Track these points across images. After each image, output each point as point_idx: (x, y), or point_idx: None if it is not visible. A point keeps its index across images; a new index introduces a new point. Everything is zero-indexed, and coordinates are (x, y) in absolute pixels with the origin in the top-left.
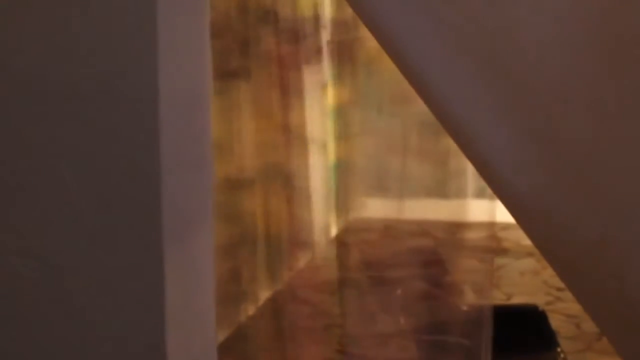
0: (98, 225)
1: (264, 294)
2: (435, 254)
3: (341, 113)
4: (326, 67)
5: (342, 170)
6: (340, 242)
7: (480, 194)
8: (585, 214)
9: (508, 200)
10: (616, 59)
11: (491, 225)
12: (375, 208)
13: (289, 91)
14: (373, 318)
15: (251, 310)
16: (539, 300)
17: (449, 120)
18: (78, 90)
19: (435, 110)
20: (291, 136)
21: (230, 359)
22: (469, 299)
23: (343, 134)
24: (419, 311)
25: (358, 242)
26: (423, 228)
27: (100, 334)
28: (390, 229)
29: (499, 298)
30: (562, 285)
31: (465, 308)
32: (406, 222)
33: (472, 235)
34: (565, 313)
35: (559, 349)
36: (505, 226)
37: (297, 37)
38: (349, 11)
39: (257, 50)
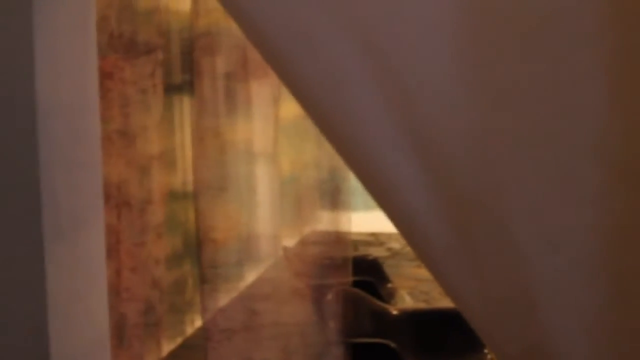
0: None
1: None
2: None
3: (294, 126)
4: (278, 80)
5: (295, 184)
6: (291, 254)
7: None
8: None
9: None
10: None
11: None
12: (332, 221)
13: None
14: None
15: (198, 321)
16: None
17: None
18: None
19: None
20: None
21: None
22: (406, 304)
23: (296, 148)
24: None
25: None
26: (379, 239)
27: None
28: (342, 241)
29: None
30: None
31: (395, 312)
32: (363, 234)
33: None
34: None
35: (485, 351)
36: None
37: (245, 52)
38: None
39: (201, 64)
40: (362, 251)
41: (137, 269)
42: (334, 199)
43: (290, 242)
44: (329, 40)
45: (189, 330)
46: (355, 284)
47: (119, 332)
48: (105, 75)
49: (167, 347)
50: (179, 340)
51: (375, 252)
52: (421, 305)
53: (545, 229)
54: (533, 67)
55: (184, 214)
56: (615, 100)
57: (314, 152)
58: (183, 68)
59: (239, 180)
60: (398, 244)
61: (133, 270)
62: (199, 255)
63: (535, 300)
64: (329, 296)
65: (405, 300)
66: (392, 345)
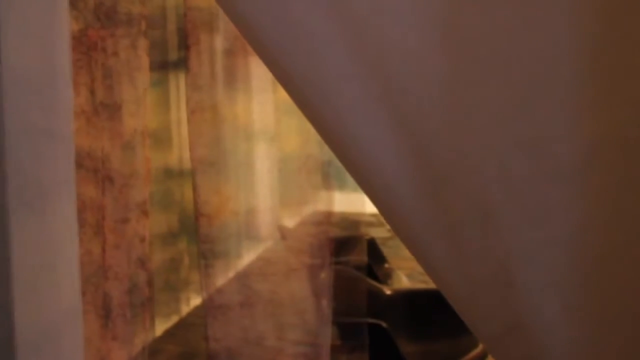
0: None
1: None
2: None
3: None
4: None
5: (296, 164)
6: (288, 233)
7: None
8: None
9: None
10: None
11: None
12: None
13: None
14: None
15: (195, 299)
16: None
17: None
18: None
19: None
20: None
21: (175, 346)
22: (401, 284)
23: (298, 127)
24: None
25: (306, 233)
26: (380, 220)
27: None
28: (345, 221)
29: None
30: None
31: (389, 292)
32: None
33: None
34: None
35: None
36: None
37: None
38: None
39: (194, 38)
40: (364, 232)
41: (121, 247)
42: (336, 179)
43: (290, 221)
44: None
45: (185, 309)
46: (351, 264)
47: (104, 311)
48: (84, 46)
49: (163, 326)
50: (174, 319)
51: (376, 233)
52: (419, 286)
53: (524, 205)
54: (512, 39)
55: (179, 191)
56: (593, 73)
57: (316, 132)
58: (180, 45)
59: (236, 157)
60: None
61: (117, 247)
62: (196, 232)
63: (513, 278)
64: (324, 275)
65: (402, 281)
66: (384, 325)
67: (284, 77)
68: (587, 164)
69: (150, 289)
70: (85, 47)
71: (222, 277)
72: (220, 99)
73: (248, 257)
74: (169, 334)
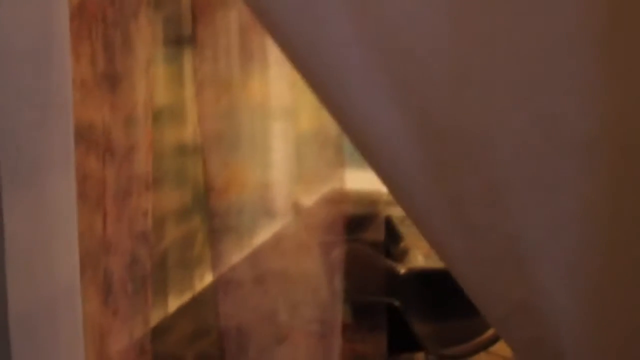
0: None
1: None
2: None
3: None
4: None
5: (314, 141)
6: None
7: None
8: None
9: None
10: None
11: None
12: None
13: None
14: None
15: (209, 277)
16: None
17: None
18: None
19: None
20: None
21: (188, 324)
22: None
23: (314, 103)
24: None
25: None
26: None
27: None
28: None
29: None
30: None
31: (402, 271)
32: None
33: None
34: None
35: None
36: None
37: None
38: None
39: (212, 16)
40: (381, 210)
41: (123, 221)
42: (353, 157)
43: (307, 199)
44: None
45: (199, 286)
46: (367, 242)
47: (104, 288)
48: (84, 15)
49: (176, 303)
50: (187, 296)
51: (394, 211)
52: (435, 266)
53: (535, 182)
54: (526, 12)
55: (193, 168)
56: (608, 49)
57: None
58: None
59: (247, 132)
60: None
61: (118, 221)
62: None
63: (523, 257)
64: (336, 253)
65: (418, 260)
66: (397, 304)
67: (287, 45)
68: (601, 141)
69: (152, 265)
70: (85, 17)
71: (233, 253)
72: (230, 73)
73: (260, 233)
74: (181, 311)
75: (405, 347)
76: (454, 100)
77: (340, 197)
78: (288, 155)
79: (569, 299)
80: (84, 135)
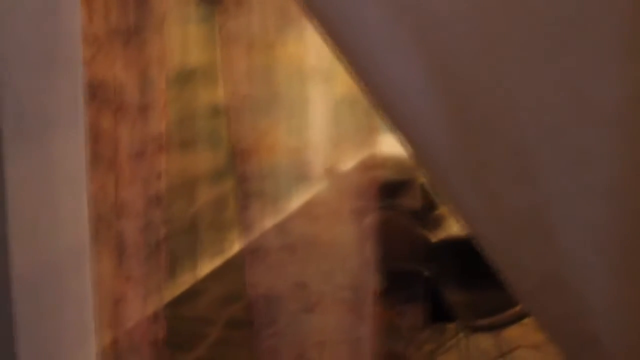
0: None
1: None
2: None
3: None
4: None
5: (352, 106)
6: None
7: None
8: None
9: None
10: None
11: None
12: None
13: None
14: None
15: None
16: None
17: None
18: None
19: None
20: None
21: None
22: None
23: None
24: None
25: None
26: None
27: None
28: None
29: None
30: None
31: (434, 240)
32: None
33: None
34: None
35: None
36: None
37: None
38: None
39: None
40: (418, 176)
41: (136, 183)
42: None
43: (345, 165)
44: None
45: (230, 249)
46: (403, 208)
47: (117, 251)
48: None
49: (208, 266)
50: (217, 260)
51: None
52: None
53: (562, 151)
54: None
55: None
56: (638, 18)
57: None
58: None
59: (284, 95)
60: None
61: (131, 183)
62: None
63: (551, 228)
64: (370, 220)
65: (453, 229)
66: (426, 273)
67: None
68: (630, 110)
69: (164, 228)
70: None
71: (262, 219)
72: (259, 31)
73: (291, 199)
74: (212, 275)
75: (437, 317)
76: (477, 60)
77: (376, 163)
78: (324, 119)
79: (602, 276)
80: (97, 94)
